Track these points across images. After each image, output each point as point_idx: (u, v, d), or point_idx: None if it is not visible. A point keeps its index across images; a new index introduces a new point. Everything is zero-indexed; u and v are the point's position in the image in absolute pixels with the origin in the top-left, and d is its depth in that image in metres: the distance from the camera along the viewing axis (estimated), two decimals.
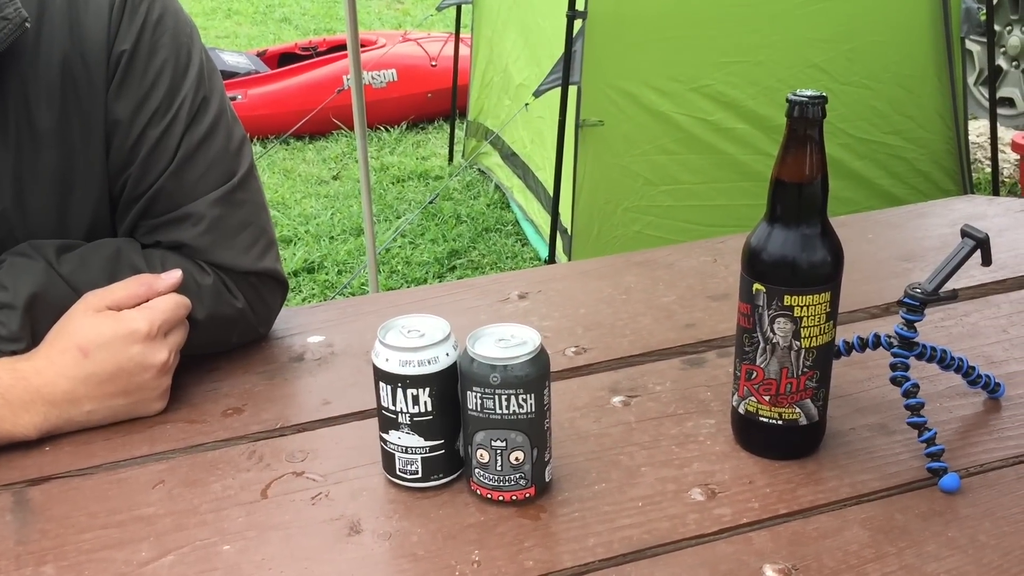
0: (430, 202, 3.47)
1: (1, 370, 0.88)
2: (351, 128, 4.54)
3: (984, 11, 3.03)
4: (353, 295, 3.10)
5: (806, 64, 2.82)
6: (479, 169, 3.96)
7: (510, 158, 3.52)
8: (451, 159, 4.25)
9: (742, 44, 2.78)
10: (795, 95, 0.77)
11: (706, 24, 2.74)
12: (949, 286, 0.84)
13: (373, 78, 4.50)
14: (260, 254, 1.02)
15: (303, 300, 3.06)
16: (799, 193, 0.79)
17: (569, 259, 2.87)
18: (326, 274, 3.23)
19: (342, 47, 4.87)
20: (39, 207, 0.94)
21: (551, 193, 2.86)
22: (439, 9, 4.09)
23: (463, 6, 3.97)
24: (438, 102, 4.61)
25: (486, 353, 0.78)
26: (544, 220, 3.08)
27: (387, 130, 4.59)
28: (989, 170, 3.28)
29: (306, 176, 4.10)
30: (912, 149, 2.96)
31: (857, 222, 1.37)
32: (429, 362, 0.79)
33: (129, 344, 0.90)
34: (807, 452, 0.86)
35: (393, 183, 4.03)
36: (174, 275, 0.95)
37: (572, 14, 2.65)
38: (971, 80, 4.25)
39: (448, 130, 4.41)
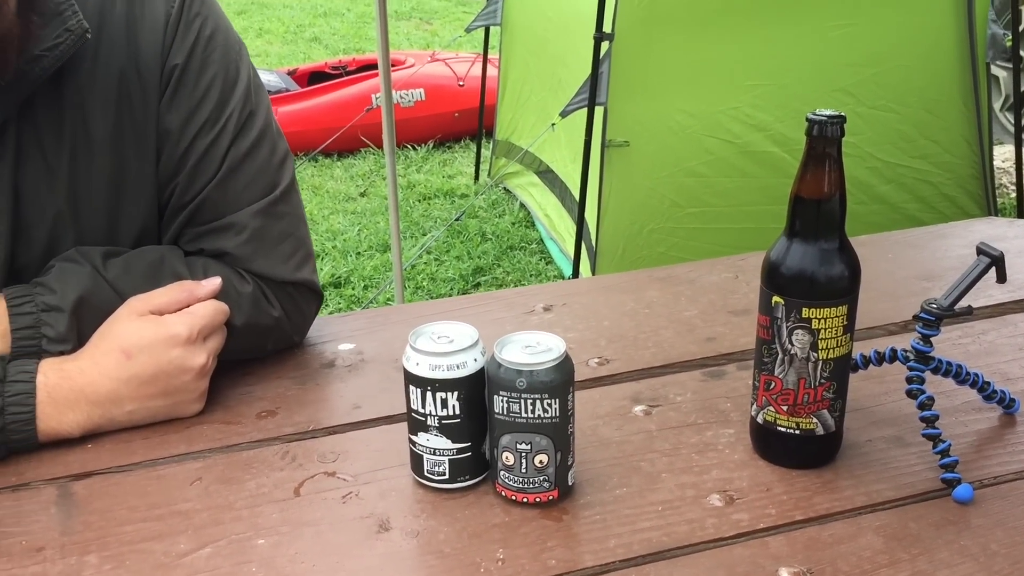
0: (456, 219, 3.52)
1: (48, 370, 0.92)
2: (379, 146, 4.61)
3: (1010, 37, 3.04)
4: None
5: (833, 88, 2.84)
6: (504, 188, 4.00)
7: (545, 175, 3.56)
8: (477, 177, 4.30)
9: (770, 67, 2.80)
10: (814, 114, 0.80)
11: (734, 47, 2.77)
12: (965, 302, 0.86)
13: (401, 97, 4.56)
14: (298, 265, 1.06)
15: (329, 314, 3.10)
16: (817, 209, 0.82)
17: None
18: (352, 289, 3.27)
19: (371, 67, 4.95)
20: (91, 211, 0.98)
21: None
22: (468, 30, 4.15)
23: (491, 27, 4.03)
24: (465, 121, 4.67)
25: (513, 359, 0.81)
26: (573, 237, 3.10)
27: (414, 148, 4.65)
28: (1014, 195, 3.28)
29: (334, 193, 4.16)
30: (938, 173, 2.97)
31: (877, 242, 1.39)
32: (458, 367, 0.82)
33: (170, 348, 0.94)
34: (824, 461, 0.88)
35: (419, 200, 4.08)
36: (214, 282, 0.99)
37: (599, 36, 2.69)
38: (997, 105, 4.25)
39: (474, 149, 4.46)
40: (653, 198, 2.85)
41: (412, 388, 0.84)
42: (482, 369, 0.83)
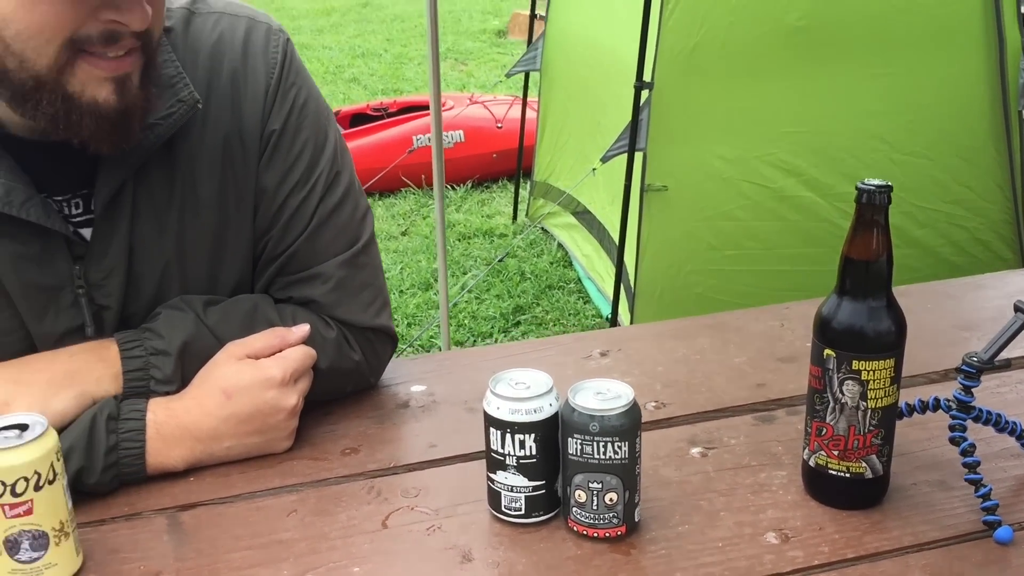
0: (499, 260, 3.61)
1: (157, 408, 1.01)
2: (419, 186, 4.73)
3: None
4: (423, 347, 3.22)
5: (868, 135, 2.91)
6: (542, 227, 4.09)
7: (582, 216, 3.65)
8: (515, 217, 4.39)
9: (806, 115, 2.88)
10: (864, 184, 0.88)
11: (770, 95, 2.86)
12: (1003, 356, 0.93)
13: (443, 138, 4.68)
14: (377, 312, 1.15)
15: None
16: (866, 269, 0.89)
17: (632, 318, 2.96)
18: (397, 326, 3.36)
19: (412, 108, 5.09)
20: (196, 263, 1.08)
21: None
22: (508, 75, 4.27)
23: (531, 72, 4.15)
24: (503, 162, 4.78)
25: (586, 404, 0.88)
26: (612, 279, 3.18)
27: (453, 188, 4.76)
28: None
29: (376, 232, 4.26)
30: (972, 218, 3.03)
31: (917, 292, 1.46)
32: (535, 411, 0.90)
33: (266, 389, 1.03)
34: (872, 503, 0.94)
35: (459, 240, 4.18)
36: (303, 329, 1.08)
37: (639, 85, 2.78)
38: None
39: (512, 189, 4.57)
40: (691, 241, 2.92)
41: (492, 430, 0.92)
42: (556, 413, 0.91)
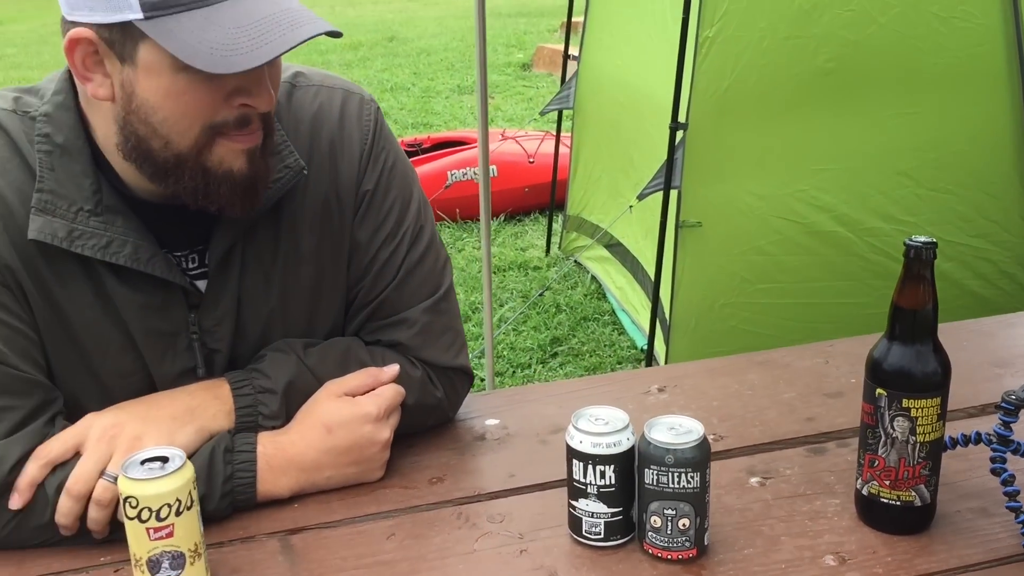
0: (540, 295, 3.71)
1: (266, 441, 1.12)
2: (454, 220, 4.85)
3: None
4: None
5: (895, 171, 3.01)
6: (576, 260, 4.20)
7: (615, 248, 3.76)
8: (548, 250, 4.50)
9: (835, 152, 2.98)
10: (911, 240, 0.98)
11: (800, 134, 2.96)
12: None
13: (475, 174, 4.81)
14: (456, 353, 1.25)
15: None
16: (914, 317, 0.99)
17: (667, 349, 3.06)
18: None
19: (445, 144, 5.22)
20: (296, 311, 1.19)
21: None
22: (542, 114, 4.40)
23: (564, 110, 4.27)
24: (534, 196, 4.90)
25: (662, 439, 0.98)
26: (646, 311, 3.28)
27: None
28: None
29: None
30: (997, 251, 3.11)
31: (953, 330, 1.54)
32: (614, 444, 1.00)
33: (363, 424, 1.13)
34: (921, 528, 1.04)
35: (495, 272, 4.29)
36: (394, 368, 1.18)
37: (675, 126, 2.89)
38: None
39: (543, 222, 4.68)
40: (724, 275, 3.02)
41: (575, 461, 1.02)
42: (633, 446, 1.01)
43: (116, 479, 1.01)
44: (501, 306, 3.92)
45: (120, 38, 0.98)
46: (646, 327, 3.24)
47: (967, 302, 3.08)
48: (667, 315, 3.06)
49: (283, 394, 1.14)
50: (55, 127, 1.06)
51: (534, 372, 3.37)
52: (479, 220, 4.81)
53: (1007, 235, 3.11)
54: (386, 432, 1.15)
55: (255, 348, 1.18)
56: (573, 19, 4.40)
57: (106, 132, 1.05)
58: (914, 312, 0.99)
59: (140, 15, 0.95)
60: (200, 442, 1.09)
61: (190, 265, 1.14)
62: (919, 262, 0.98)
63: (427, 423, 1.27)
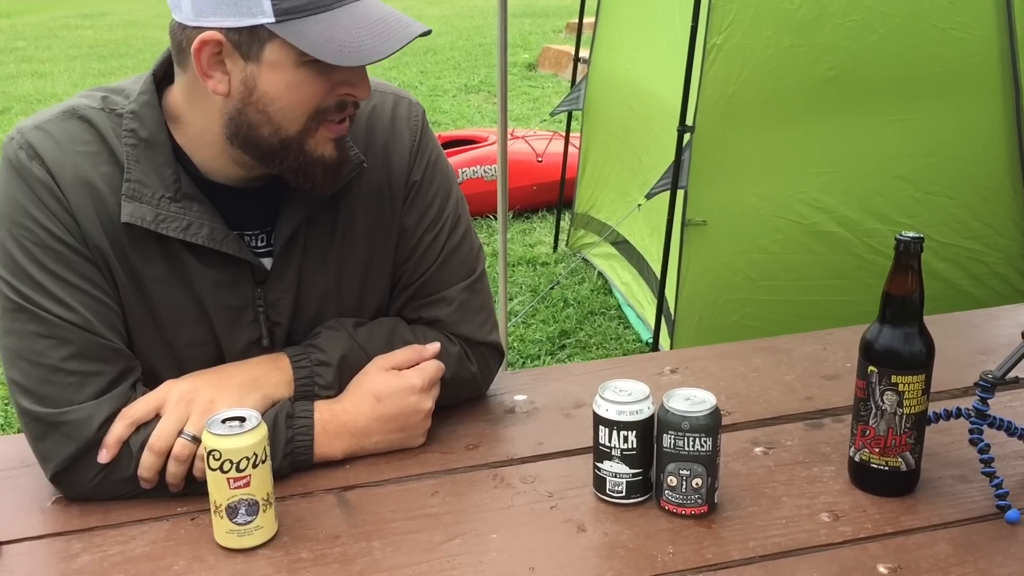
0: (550, 288, 3.84)
1: (322, 409, 1.25)
2: None
3: None
4: None
5: (893, 175, 3.14)
6: (583, 257, 4.33)
7: (621, 246, 3.89)
8: (556, 247, 4.63)
9: (835, 156, 3.11)
10: (902, 235, 1.11)
11: (803, 139, 3.09)
12: (1013, 374, 1.15)
13: (485, 172, 4.94)
14: (490, 330, 1.39)
15: None
16: (903, 303, 1.12)
17: (672, 342, 3.19)
18: None
19: (455, 143, 5.35)
20: (349, 291, 1.32)
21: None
22: (553, 114, 4.53)
23: (574, 111, 4.40)
24: (542, 194, 5.03)
25: (679, 408, 1.11)
26: (651, 306, 3.41)
27: (495, 218, 5.00)
28: None
29: None
30: (990, 253, 3.24)
31: (942, 321, 1.68)
32: (637, 412, 1.13)
33: (408, 395, 1.26)
34: (907, 491, 1.17)
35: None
36: (435, 346, 1.31)
37: (682, 128, 3.02)
38: None
39: (551, 219, 4.81)
40: (728, 272, 3.15)
41: (601, 427, 1.15)
42: (653, 414, 1.14)
43: (193, 438, 1.15)
44: (511, 300, 4.05)
45: (247, 40, 1.12)
46: (651, 321, 3.37)
47: (960, 301, 3.21)
48: (672, 310, 3.19)
49: (337, 367, 1.27)
50: (140, 123, 1.20)
51: (543, 363, 3.49)
52: (488, 217, 4.94)
53: (999, 237, 3.24)
54: (428, 402, 1.28)
55: (311, 323, 1.31)
56: (584, 20, 4.53)
57: (204, 125, 1.20)
58: (903, 298, 1.12)
59: (272, 19, 1.10)
60: (264, 407, 1.22)
61: (258, 244, 1.27)
62: (908, 254, 1.11)
63: (463, 396, 1.40)
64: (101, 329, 1.19)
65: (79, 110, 1.21)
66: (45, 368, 1.16)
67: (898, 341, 1.12)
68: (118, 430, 1.17)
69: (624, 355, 3.54)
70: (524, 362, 3.51)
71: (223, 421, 1.08)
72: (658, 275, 3.22)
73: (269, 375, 1.25)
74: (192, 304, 1.24)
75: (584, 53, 4.39)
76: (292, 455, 1.22)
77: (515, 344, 3.63)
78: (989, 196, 3.22)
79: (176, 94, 1.22)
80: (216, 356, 1.27)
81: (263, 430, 1.08)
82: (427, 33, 1.17)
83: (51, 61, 10.54)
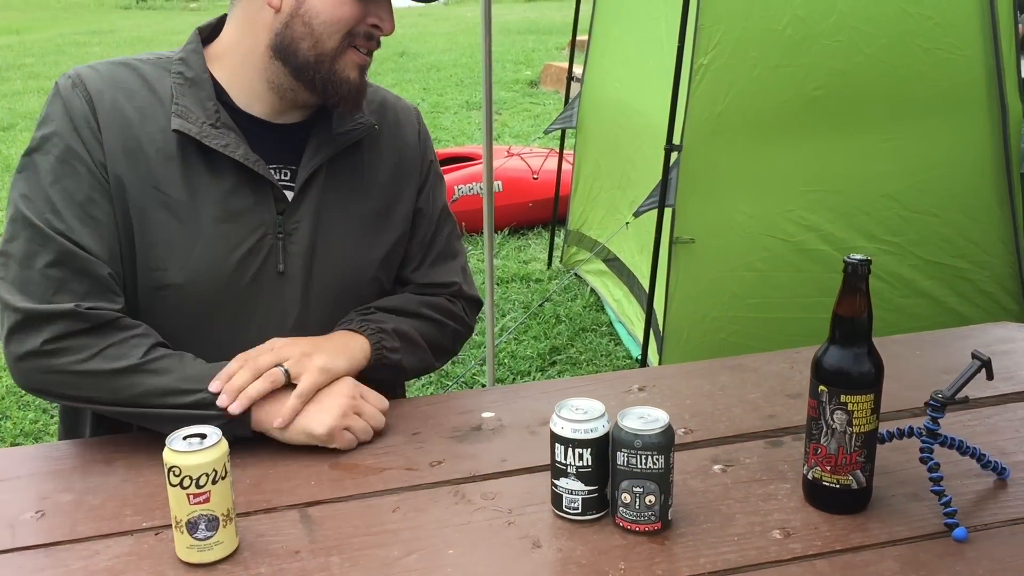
0: (540, 305, 3.87)
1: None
2: (460, 233, 5.00)
3: None
4: (467, 384, 3.48)
5: (880, 194, 3.16)
6: (575, 273, 4.36)
7: (612, 263, 3.92)
8: (550, 264, 4.66)
9: (822, 175, 3.14)
10: (849, 258, 1.13)
11: (790, 157, 3.12)
12: (962, 394, 1.17)
13: (481, 188, 4.98)
14: (474, 287, 1.64)
15: (422, 387, 3.45)
16: (852, 323, 1.14)
17: (660, 359, 3.21)
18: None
19: (452, 160, 5.39)
20: (362, 233, 1.51)
21: None
22: (546, 132, 4.56)
23: (567, 129, 4.44)
24: (537, 211, 5.06)
25: (632, 426, 1.14)
26: (641, 322, 3.43)
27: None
28: None
29: None
30: (977, 271, 3.26)
31: (910, 340, 1.70)
32: (591, 431, 1.15)
33: (345, 400, 1.37)
34: (858, 509, 1.19)
35: (498, 284, 4.45)
36: (380, 423, 1.40)
37: (670, 147, 3.05)
38: None
39: (546, 235, 4.84)
40: (716, 289, 3.17)
41: (557, 445, 1.17)
42: (608, 433, 1.16)
43: (286, 372, 1.34)
44: (503, 316, 4.07)
45: None
46: (641, 338, 3.39)
47: (946, 319, 3.23)
48: (661, 327, 3.21)
49: (391, 335, 1.46)
50: (187, 66, 1.42)
51: (533, 379, 3.51)
52: (483, 234, 4.97)
53: (986, 256, 3.26)
54: (348, 421, 1.35)
55: (326, 261, 1.46)
56: (578, 38, 4.57)
57: (251, 47, 1.41)
58: (851, 319, 1.15)
59: None
60: (350, 370, 1.40)
61: (282, 177, 1.45)
62: (856, 276, 1.13)
63: (458, 348, 1.65)
64: (88, 244, 1.33)
65: (130, 61, 1.43)
66: (30, 271, 1.32)
67: (847, 361, 1.14)
68: (243, 377, 1.32)
69: (614, 371, 3.55)
70: (514, 378, 3.53)
71: (184, 438, 1.10)
72: (647, 292, 3.24)
73: (350, 343, 1.43)
74: (213, 225, 1.39)
75: (578, 70, 4.43)
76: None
77: (506, 360, 3.66)
78: (976, 215, 3.24)
79: (225, 34, 1.45)
80: (216, 289, 1.40)
81: (223, 446, 1.10)
82: None
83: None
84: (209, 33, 1.48)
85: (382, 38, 1.43)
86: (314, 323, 1.47)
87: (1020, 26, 4.08)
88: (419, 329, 1.53)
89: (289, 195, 1.44)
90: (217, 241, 1.39)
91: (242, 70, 1.42)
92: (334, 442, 1.33)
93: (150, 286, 1.39)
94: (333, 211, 1.47)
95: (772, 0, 2.95)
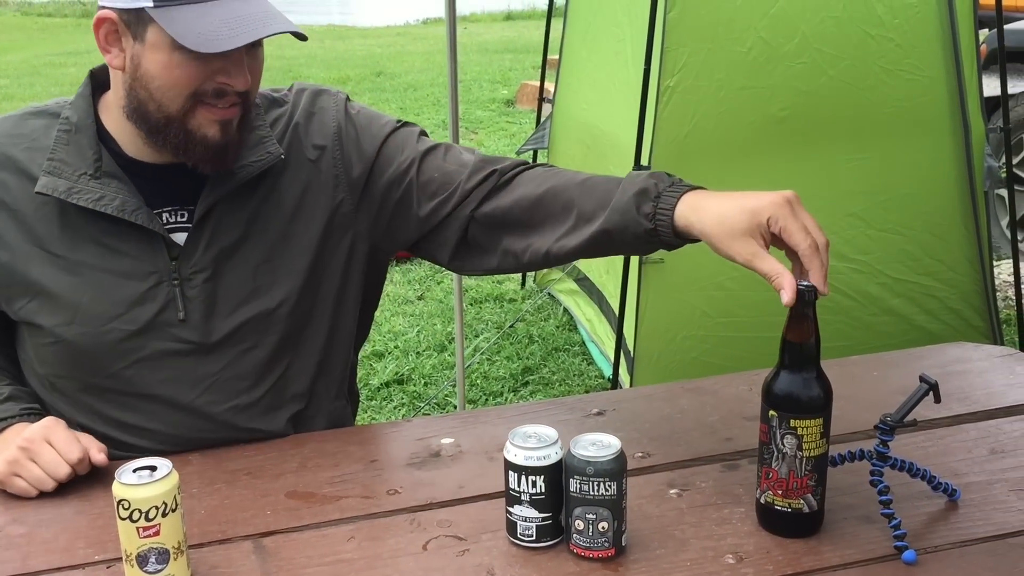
0: (511, 326, 3.87)
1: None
2: None
3: (1004, 169, 3.39)
4: (439, 405, 3.48)
5: (846, 213, 3.19)
6: (549, 293, 4.37)
7: (583, 282, 3.93)
8: (523, 284, 4.67)
9: None
10: (797, 284, 1.14)
11: (757, 177, 3.13)
12: (910, 417, 1.18)
13: None
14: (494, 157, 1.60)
15: (394, 409, 3.45)
16: (800, 349, 1.16)
17: (631, 379, 3.22)
18: (414, 386, 3.62)
19: None
20: (269, 270, 1.45)
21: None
22: (518, 153, 4.58)
23: (539, 150, 4.46)
24: None
25: (583, 453, 1.14)
26: (612, 342, 3.44)
27: None
28: (1014, 307, 3.58)
29: (394, 296, 4.55)
30: (943, 289, 3.29)
31: (867, 361, 1.71)
32: (544, 458, 1.16)
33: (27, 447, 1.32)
34: (810, 532, 1.19)
35: (471, 304, 4.46)
36: (100, 459, 1.34)
37: (637, 168, 3.07)
38: (1004, 223, 4.58)
39: None
40: (686, 309, 3.18)
41: (511, 472, 1.17)
42: (561, 460, 1.17)
43: None
44: (476, 336, 4.08)
45: (135, 20, 1.28)
46: (612, 358, 3.40)
47: (915, 336, 3.25)
48: (631, 347, 3.22)
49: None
50: (73, 111, 1.40)
51: (506, 400, 3.52)
52: None
53: (952, 273, 3.29)
54: (13, 467, 1.30)
55: (227, 307, 1.41)
56: (552, 56, 4.59)
57: (116, 101, 1.36)
58: (800, 345, 1.16)
59: (151, 4, 1.26)
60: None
61: (178, 220, 1.40)
62: (803, 302, 1.14)
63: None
64: None
65: (19, 114, 1.43)
66: None
67: (796, 386, 1.15)
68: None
69: (586, 391, 3.56)
70: (487, 399, 3.53)
71: (133, 470, 1.10)
72: (616, 312, 3.25)
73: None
74: (97, 277, 1.36)
75: (550, 88, 4.46)
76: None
77: (478, 381, 3.66)
78: (941, 233, 3.27)
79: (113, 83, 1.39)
80: (110, 343, 1.37)
81: (173, 479, 1.10)
82: (299, 36, 1.31)
83: (33, 98, 10.58)
84: (107, 76, 1.41)
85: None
86: (224, 367, 1.42)
87: (983, 46, 4.14)
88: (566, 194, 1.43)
89: (183, 238, 1.40)
90: (103, 294, 1.37)
91: (126, 124, 1.38)
92: (7, 488, 1.31)
93: (42, 342, 1.40)
94: (237, 248, 1.41)
95: (736, 23, 2.98)
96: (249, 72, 1.33)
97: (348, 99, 1.55)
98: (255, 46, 1.34)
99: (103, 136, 1.39)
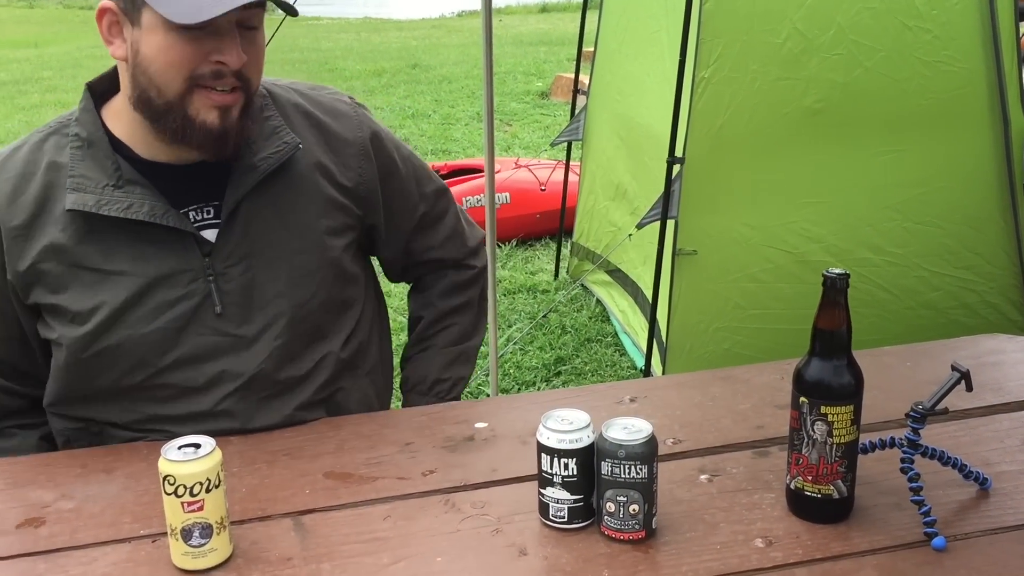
0: (543, 316, 3.89)
1: None
2: None
3: None
4: (472, 394, 3.51)
5: (883, 206, 3.17)
6: (582, 284, 4.38)
7: (615, 274, 3.94)
8: (557, 274, 4.69)
9: (825, 187, 3.15)
10: (828, 272, 1.16)
11: (793, 169, 3.13)
12: (942, 405, 1.19)
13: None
14: (475, 228, 1.81)
15: None
16: (831, 336, 1.17)
17: (664, 370, 3.23)
18: None
19: (462, 171, 5.43)
20: (300, 258, 1.49)
21: None
22: (552, 145, 4.60)
23: (573, 141, 4.47)
24: (545, 222, 5.09)
25: (616, 436, 1.16)
26: (645, 332, 3.45)
27: (499, 246, 5.07)
28: None
29: None
30: (981, 283, 3.26)
31: (901, 352, 1.71)
32: (577, 441, 1.18)
33: None
34: (840, 518, 1.20)
35: (505, 295, 4.48)
36: None
37: (672, 160, 3.07)
38: None
39: (554, 246, 4.87)
40: (718, 301, 3.19)
41: (543, 455, 1.20)
42: (593, 443, 1.19)
43: None
44: (509, 326, 4.10)
45: (131, 6, 1.31)
46: (645, 348, 3.41)
47: (951, 330, 3.23)
48: (664, 338, 3.23)
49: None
50: (81, 127, 1.40)
51: (538, 390, 3.54)
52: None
53: (990, 267, 3.26)
54: None
55: (266, 297, 1.43)
56: (587, 49, 4.60)
57: (125, 101, 1.37)
58: (831, 332, 1.17)
59: None
60: None
61: (205, 216, 1.42)
62: (835, 290, 1.15)
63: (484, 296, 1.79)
64: None
65: (25, 142, 1.42)
66: None
67: (827, 373, 1.16)
68: None
69: (618, 382, 3.57)
70: (519, 388, 3.55)
71: (178, 448, 1.13)
72: (651, 303, 3.26)
73: None
74: (137, 282, 1.38)
75: (586, 81, 4.46)
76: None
77: (511, 371, 3.68)
78: (979, 226, 3.25)
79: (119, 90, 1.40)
80: (152, 344, 1.40)
81: (217, 456, 1.14)
82: (288, 10, 1.36)
83: (75, 91, 10.70)
84: (107, 86, 1.43)
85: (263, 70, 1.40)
86: (266, 357, 1.45)
87: (1023, 37, 4.09)
88: (455, 338, 1.69)
89: (213, 234, 1.42)
90: (143, 298, 1.38)
91: (136, 125, 1.39)
92: None
93: (82, 354, 1.40)
94: (266, 238, 1.44)
95: (772, 14, 2.97)
96: (246, 55, 1.33)
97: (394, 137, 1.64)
98: (251, 29, 1.36)
99: (115, 145, 1.40)
